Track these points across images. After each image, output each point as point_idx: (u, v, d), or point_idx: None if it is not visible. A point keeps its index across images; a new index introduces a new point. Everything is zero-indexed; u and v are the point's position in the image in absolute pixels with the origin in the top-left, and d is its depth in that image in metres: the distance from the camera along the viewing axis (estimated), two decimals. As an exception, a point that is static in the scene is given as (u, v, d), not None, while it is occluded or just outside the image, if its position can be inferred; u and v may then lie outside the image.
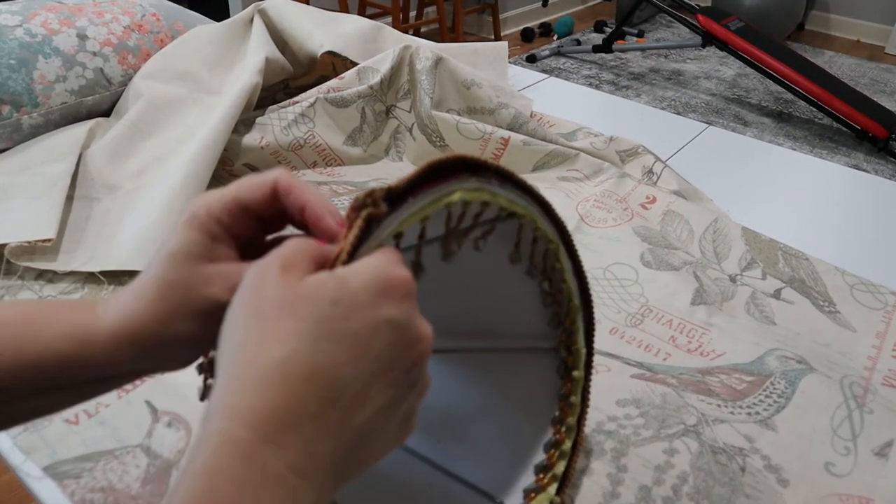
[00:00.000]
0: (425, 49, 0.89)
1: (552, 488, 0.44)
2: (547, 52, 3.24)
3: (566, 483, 0.45)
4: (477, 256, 0.42)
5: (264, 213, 0.34)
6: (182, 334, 0.32)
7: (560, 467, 0.45)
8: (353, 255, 0.29)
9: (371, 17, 2.71)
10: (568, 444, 0.45)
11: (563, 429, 0.45)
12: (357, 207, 0.30)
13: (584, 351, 0.46)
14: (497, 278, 0.45)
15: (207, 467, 0.23)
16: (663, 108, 2.76)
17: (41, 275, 0.65)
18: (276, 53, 0.91)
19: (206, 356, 0.36)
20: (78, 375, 0.32)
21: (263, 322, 0.26)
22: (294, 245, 0.29)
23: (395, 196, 0.31)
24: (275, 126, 0.83)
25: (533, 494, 0.44)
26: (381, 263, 0.28)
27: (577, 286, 0.45)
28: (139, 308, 0.32)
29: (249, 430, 0.24)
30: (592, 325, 0.47)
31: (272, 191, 0.33)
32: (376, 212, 0.30)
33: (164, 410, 0.52)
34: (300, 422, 0.24)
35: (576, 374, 0.46)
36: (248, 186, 0.33)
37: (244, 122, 0.83)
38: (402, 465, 0.46)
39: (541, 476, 0.44)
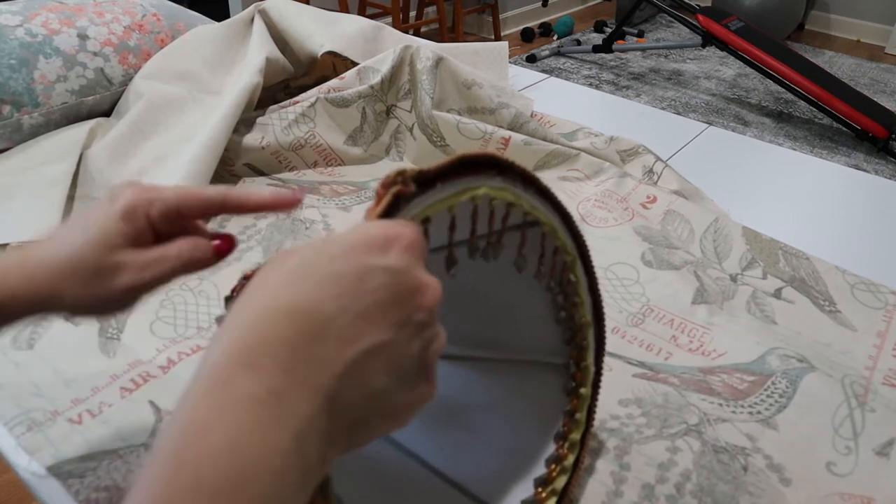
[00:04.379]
0: (426, 49, 0.89)
1: (551, 502, 0.43)
2: (547, 52, 3.25)
3: (565, 499, 0.44)
4: (496, 264, 0.42)
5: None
6: (75, 300, 0.37)
7: (560, 482, 0.44)
8: None
9: (371, 17, 2.71)
10: (570, 461, 0.45)
11: (567, 445, 0.45)
12: (387, 184, 0.31)
13: (592, 369, 0.46)
14: (513, 288, 0.45)
15: (189, 391, 0.25)
16: (663, 108, 2.76)
17: (43, 275, 0.65)
18: (276, 53, 0.91)
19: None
20: None
21: (257, 280, 0.28)
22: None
23: (425, 179, 0.32)
24: (276, 126, 0.83)
25: None
26: (386, 222, 0.29)
27: (591, 302, 0.44)
28: (41, 272, 0.37)
29: (225, 356, 0.25)
30: (603, 343, 0.46)
31: (219, 206, 0.38)
32: (405, 190, 0.31)
33: (167, 410, 0.52)
34: (275, 348, 0.25)
35: (583, 391, 0.45)
36: (196, 200, 0.38)
37: (245, 122, 0.83)
38: (401, 468, 0.45)
39: (539, 490, 0.43)
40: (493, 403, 0.48)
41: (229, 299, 0.42)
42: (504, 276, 0.43)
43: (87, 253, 0.36)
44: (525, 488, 0.44)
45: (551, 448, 0.45)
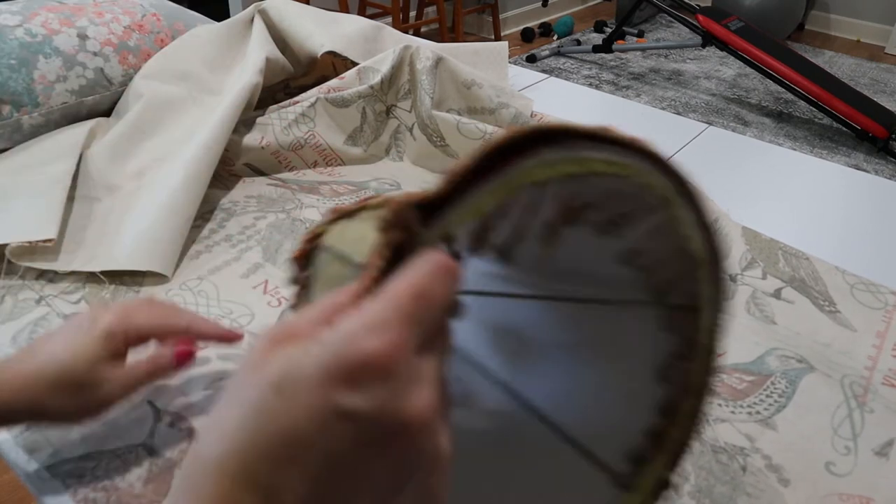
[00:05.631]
0: (426, 49, 0.89)
1: (661, 459, 0.37)
2: (547, 52, 3.25)
3: (679, 458, 0.37)
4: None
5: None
6: (58, 410, 0.44)
7: (674, 437, 0.37)
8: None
9: (371, 17, 2.71)
10: (687, 412, 0.37)
11: (688, 394, 0.37)
12: (385, 229, 0.25)
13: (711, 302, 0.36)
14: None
15: None
16: (663, 108, 2.76)
17: (42, 274, 0.65)
18: (276, 53, 0.92)
19: (300, 270, 0.38)
20: None
21: (221, 406, 0.24)
22: (316, 306, 0.26)
23: (434, 208, 0.26)
24: (275, 126, 0.83)
25: (640, 466, 0.37)
26: (354, 330, 0.22)
27: (702, 237, 0.35)
28: (30, 385, 0.43)
29: None
30: (720, 277, 0.36)
31: (182, 333, 0.48)
32: (405, 238, 0.25)
33: (166, 410, 0.52)
34: None
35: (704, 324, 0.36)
36: (165, 329, 0.47)
37: (245, 122, 0.83)
38: (481, 395, 0.41)
39: (650, 441, 0.37)
40: (580, 343, 0.41)
41: (296, 259, 0.40)
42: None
43: (71, 369, 0.43)
44: (625, 435, 0.37)
45: (658, 393, 0.37)
